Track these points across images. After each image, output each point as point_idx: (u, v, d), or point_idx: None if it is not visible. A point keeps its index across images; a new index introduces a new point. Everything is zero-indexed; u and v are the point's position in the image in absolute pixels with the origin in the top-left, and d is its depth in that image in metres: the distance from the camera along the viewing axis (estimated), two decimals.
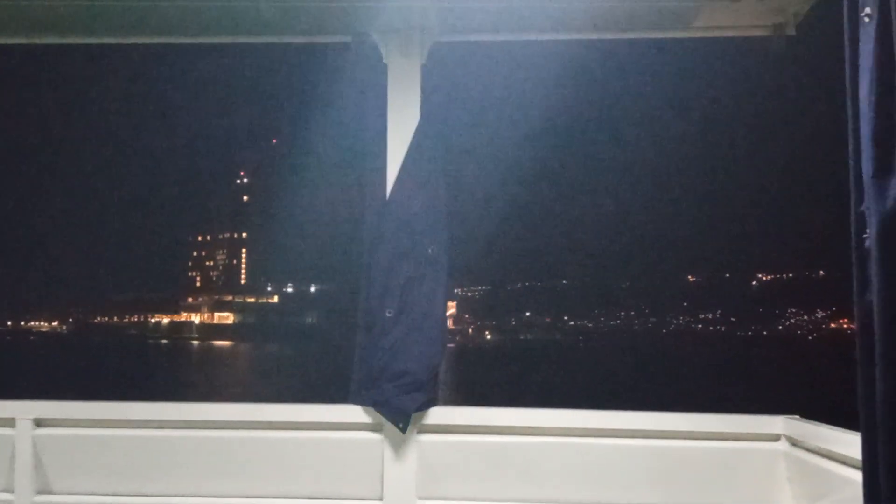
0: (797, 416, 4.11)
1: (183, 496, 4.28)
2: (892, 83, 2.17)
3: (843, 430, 3.49)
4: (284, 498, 4.26)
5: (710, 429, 4.19)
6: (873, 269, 2.21)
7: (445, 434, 4.26)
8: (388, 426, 4.18)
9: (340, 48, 4.37)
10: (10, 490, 4.28)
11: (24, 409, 4.34)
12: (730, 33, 4.27)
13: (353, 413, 4.26)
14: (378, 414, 4.20)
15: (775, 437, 4.12)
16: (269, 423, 4.33)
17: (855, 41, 2.35)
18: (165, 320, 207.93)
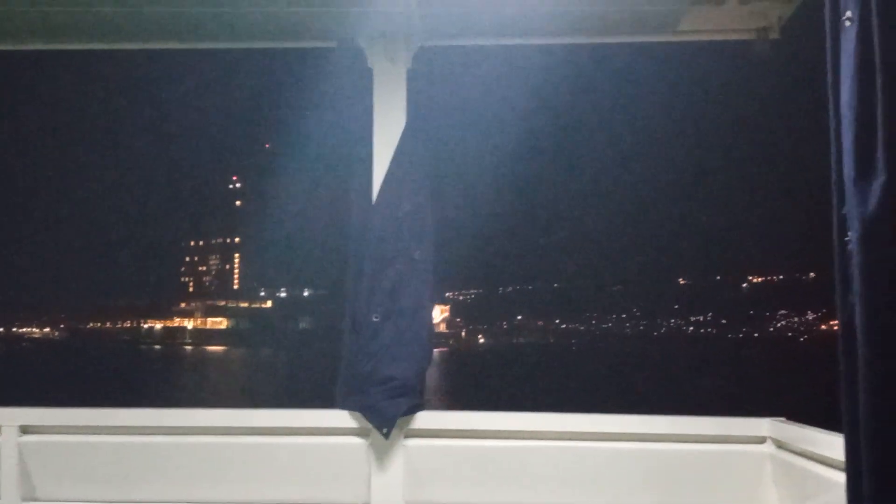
0: (783, 419, 4.11)
1: (170, 502, 4.26)
2: (872, 87, 2.17)
3: (828, 432, 3.49)
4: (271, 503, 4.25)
5: (697, 431, 4.20)
6: (855, 272, 2.21)
7: (432, 438, 4.25)
8: (375, 431, 4.17)
9: (326, 54, 4.37)
10: None
11: (10, 417, 4.32)
12: (715, 37, 4.28)
13: (340, 418, 4.25)
14: (365, 419, 4.19)
15: (761, 440, 4.12)
16: (256, 428, 4.32)
17: (836, 45, 2.35)
18: (158, 326, 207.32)
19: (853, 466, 2.23)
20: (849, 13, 2.30)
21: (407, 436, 4.23)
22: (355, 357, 4.21)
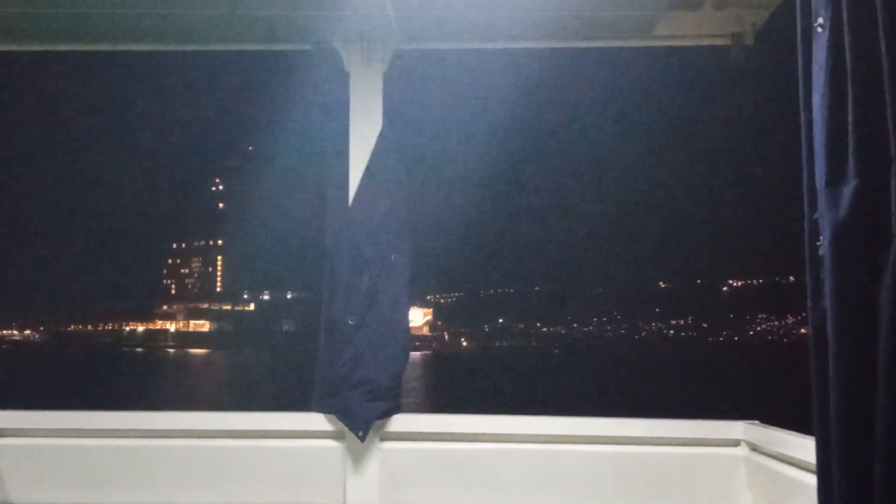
0: (757, 422, 4.14)
1: None
2: (844, 92, 2.18)
3: (800, 434, 3.52)
4: None
5: (672, 434, 4.22)
6: (826, 277, 2.22)
7: (408, 442, 4.25)
8: (351, 434, 4.16)
9: (302, 56, 4.37)
10: None
11: None
12: (690, 42, 4.29)
13: (316, 421, 4.24)
14: (340, 422, 4.18)
15: (735, 443, 4.15)
16: (231, 431, 4.30)
17: (808, 51, 2.36)
18: (140, 328, 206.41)
19: (824, 469, 2.24)
20: (820, 19, 2.30)
21: (382, 439, 4.22)
22: (331, 360, 4.20)
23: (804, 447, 3.39)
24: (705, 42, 4.25)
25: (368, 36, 4.27)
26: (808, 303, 2.31)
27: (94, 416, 4.36)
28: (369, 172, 4.23)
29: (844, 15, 2.17)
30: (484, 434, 4.25)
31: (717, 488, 4.11)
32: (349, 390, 4.13)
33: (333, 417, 4.20)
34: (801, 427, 3.73)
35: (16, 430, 4.32)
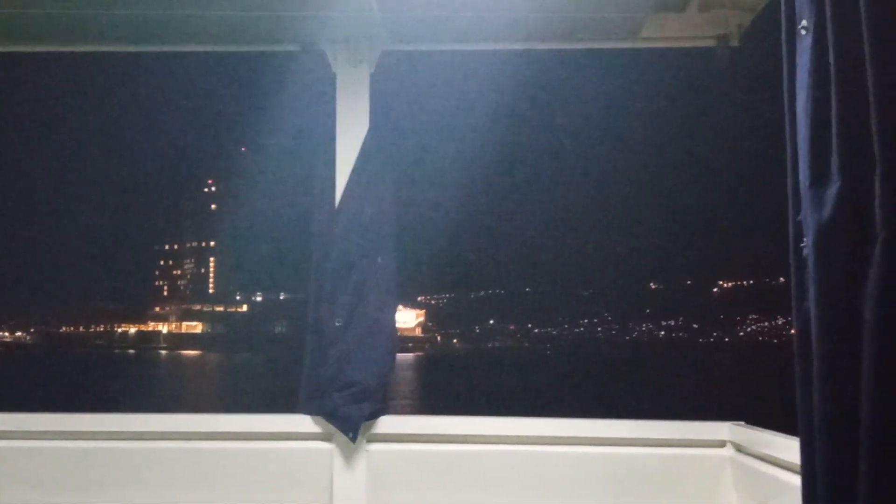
0: (742, 423, 4.15)
1: None
2: (828, 94, 2.18)
3: (785, 435, 3.53)
4: None
5: (658, 435, 4.23)
6: (810, 278, 2.22)
7: (395, 443, 4.25)
8: (338, 436, 4.16)
9: (290, 57, 4.36)
10: None
11: None
12: (676, 44, 4.30)
13: (302, 423, 4.23)
14: (327, 423, 4.18)
15: (721, 444, 4.16)
16: (218, 433, 4.29)
17: (792, 53, 2.37)
18: (133, 330, 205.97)
19: (808, 469, 2.25)
20: (804, 22, 2.31)
21: (370, 440, 4.22)
22: (318, 361, 4.20)
23: (789, 448, 3.40)
24: (691, 44, 4.26)
25: (355, 37, 4.27)
26: (793, 304, 2.32)
27: (80, 419, 4.34)
28: (356, 173, 4.22)
29: (828, 17, 2.18)
30: (471, 435, 4.26)
31: (702, 489, 4.12)
32: (336, 392, 4.12)
33: (320, 419, 4.20)
34: (791, 427, 3.75)
35: (4, 432, 4.30)
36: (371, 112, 4.28)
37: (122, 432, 4.30)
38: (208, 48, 4.47)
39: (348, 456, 4.18)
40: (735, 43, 4.14)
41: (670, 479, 4.16)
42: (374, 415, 4.18)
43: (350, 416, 4.11)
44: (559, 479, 4.16)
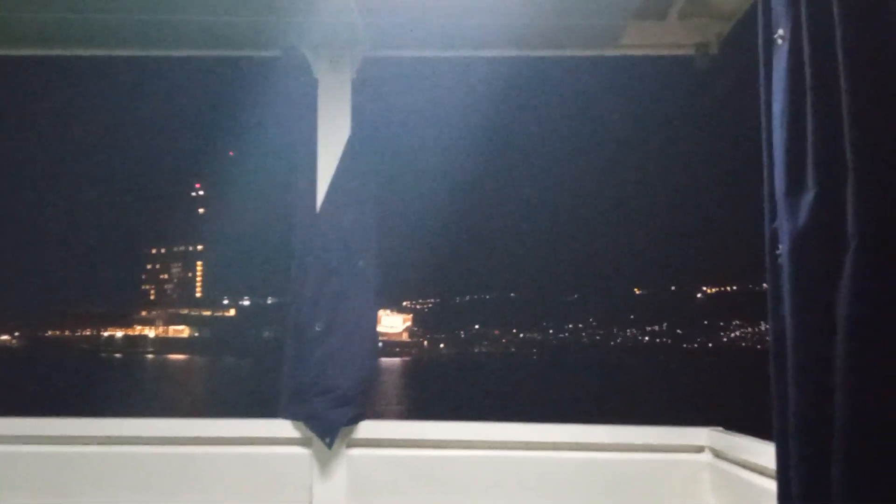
0: (720, 428, 4.17)
1: None
2: (803, 104, 2.20)
3: (762, 441, 3.55)
4: None
5: (636, 441, 4.24)
6: (786, 285, 2.24)
7: (375, 448, 4.24)
8: (318, 441, 4.15)
9: (271, 63, 4.36)
10: None
11: None
12: (656, 52, 4.32)
13: (282, 428, 4.22)
14: (308, 428, 4.17)
15: (699, 449, 4.17)
16: (196, 438, 4.27)
17: (769, 62, 2.39)
18: (119, 334, 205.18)
19: (783, 474, 2.27)
20: (781, 31, 2.33)
21: (350, 445, 4.21)
22: (298, 366, 4.19)
23: (766, 453, 3.42)
24: (671, 51, 4.28)
25: (337, 42, 4.27)
26: (769, 309, 2.34)
27: (54, 423, 4.31)
28: (337, 179, 4.22)
29: (804, 28, 2.20)
30: (452, 441, 4.25)
31: (681, 495, 4.13)
32: (316, 397, 4.12)
33: (301, 424, 4.19)
34: (771, 433, 3.77)
35: None
36: (352, 117, 4.27)
37: (99, 437, 4.27)
38: (190, 53, 4.45)
39: (328, 461, 4.17)
40: (714, 51, 4.16)
41: (649, 484, 4.17)
42: (355, 420, 4.17)
43: (330, 421, 4.10)
44: (539, 484, 4.16)
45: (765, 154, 2.40)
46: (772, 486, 3.24)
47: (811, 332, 2.14)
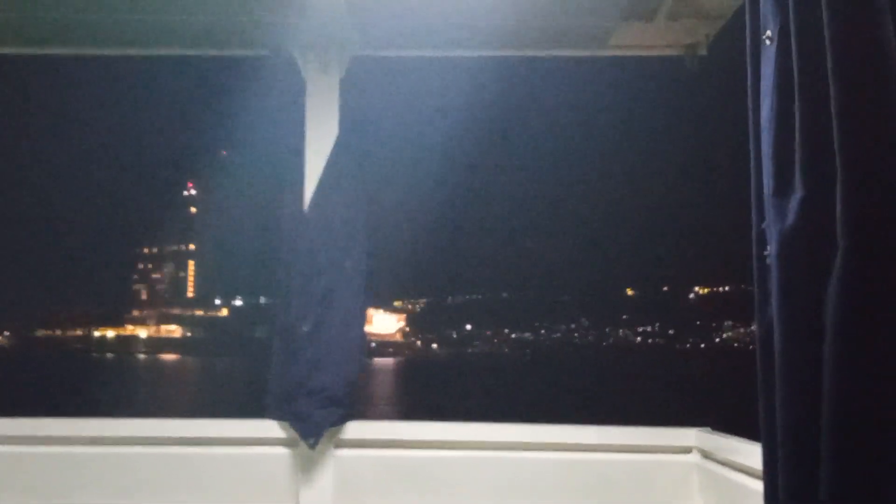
0: (709, 429, 4.18)
1: None
2: (791, 105, 2.20)
3: (750, 441, 3.55)
4: None
5: (625, 441, 4.25)
6: (773, 286, 2.23)
7: (362, 449, 4.23)
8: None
9: (259, 62, 4.34)
10: None
11: None
12: (645, 52, 4.33)
13: (269, 428, 4.20)
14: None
15: (687, 450, 4.18)
16: (182, 438, 4.26)
17: (756, 63, 2.38)
18: (111, 334, 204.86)
19: (769, 475, 2.27)
20: (769, 32, 2.32)
21: (337, 446, 4.20)
22: (285, 366, 4.18)
23: (754, 454, 3.42)
24: (660, 52, 4.29)
25: (325, 42, 4.25)
26: (756, 311, 2.34)
27: (38, 424, 4.28)
28: (325, 179, 4.21)
29: (792, 29, 2.19)
30: (439, 441, 4.25)
31: (669, 495, 4.14)
32: (303, 397, 4.10)
33: (287, 424, 4.17)
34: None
35: None
36: (340, 118, 4.26)
37: (82, 437, 4.23)
38: (178, 52, 4.45)
39: (315, 461, 4.15)
40: (703, 52, 4.17)
41: (637, 485, 4.17)
42: (341, 420, 4.16)
43: (317, 422, 4.09)
44: (526, 485, 4.16)
45: (752, 155, 2.40)
46: (759, 486, 3.24)
47: (798, 334, 2.14)
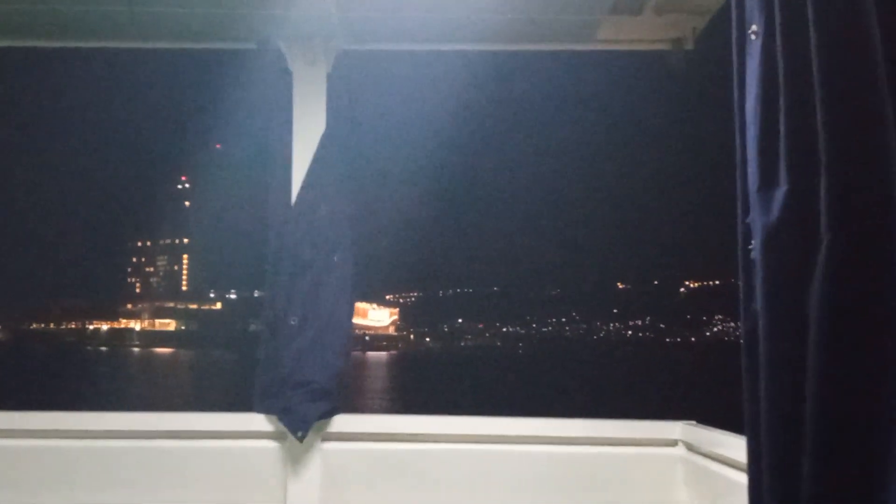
0: (694, 422, 4.19)
1: None
2: (776, 99, 2.20)
3: (735, 435, 3.57)
4: None
5: (610, 434, 4.26)
6: (758, 280, 2.23)
7: (350, 442, 4.24)
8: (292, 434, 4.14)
9: (246, 55, 4.33)
10: None
11: None
12: (632, 47, 4.33)
13: (256, 421, 4.21)
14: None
15: (673, 443, 4.20)
16: (169, 432, 4.25)
17: (742, 57, 2.39)
18: (105, 327, 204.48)
19: (754, 468, 2.28)
20: (754, 27, 2.33)
21: (324, 439, 4.20)
22: (273, 360, 4.18)
23: (739, 447, 3.43)
24: (647, 46, 4.29)
25: (312, 36, 4.24)
26: (741, 305, 2.34)
27: (26, 417, 4.26)
28: (312, 173, 4.21)
29: (777, 23, 2.19)
30: (426, 434, 4.25)
31: (654, 488, 4.16)
32: (290, 390, 4.10)
33: (274, 418, 4.17)
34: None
35: None
36: (328, 111, 4.26)
37: (68, 431, 4.22)
38: (166, 45, 4.42)
39: (302, 455, 4.15)
40: (690, 46, 4.17)
41: (622, 477, 4.19)
42: (329, 413, 4.16)
43: (303, 415, 4.09)
44: (513, 478, 4.17)
45: (738, 149, 2.40)
46: (744, 479, 3.25)
47: (783, 328, 2.15)
